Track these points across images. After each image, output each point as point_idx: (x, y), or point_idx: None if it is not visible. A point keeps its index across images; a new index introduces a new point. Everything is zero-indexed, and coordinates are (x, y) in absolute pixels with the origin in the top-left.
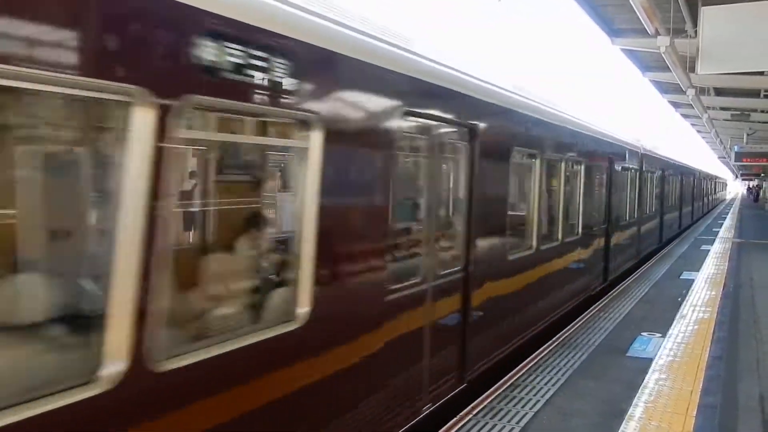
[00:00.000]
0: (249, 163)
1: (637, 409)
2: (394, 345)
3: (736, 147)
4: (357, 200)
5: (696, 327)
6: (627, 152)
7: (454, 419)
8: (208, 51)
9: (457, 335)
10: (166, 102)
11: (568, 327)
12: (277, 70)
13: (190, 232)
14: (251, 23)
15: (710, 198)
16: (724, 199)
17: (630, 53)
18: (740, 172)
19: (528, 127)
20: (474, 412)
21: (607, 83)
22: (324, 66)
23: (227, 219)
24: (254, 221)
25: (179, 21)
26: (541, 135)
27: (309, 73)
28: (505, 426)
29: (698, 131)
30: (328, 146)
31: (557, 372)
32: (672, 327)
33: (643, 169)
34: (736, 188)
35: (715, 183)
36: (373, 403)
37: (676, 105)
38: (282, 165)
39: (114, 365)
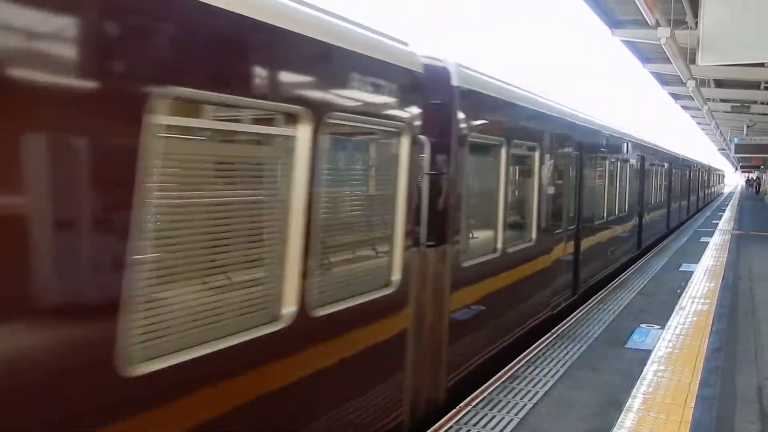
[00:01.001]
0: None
1: (636, 401)
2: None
3: (735, 139)
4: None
5: (695, 319)
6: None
7: (453, 411)
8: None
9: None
10: None
11: (567, 319)
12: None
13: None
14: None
15: (703, 193)
16: (721, 194)
17: (630, 44)
18: (740, 164)
19: None
20: (473, 404)
21: (607, 77)
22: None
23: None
24: None
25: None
26: None
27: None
28: (504, 417)
29: (698, 123)
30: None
31: (556, 364)
32: (671, 319)
33: (468, 138)
34: (735, 180)
35: (709, 174)
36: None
37: (676, 97)
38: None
39: None
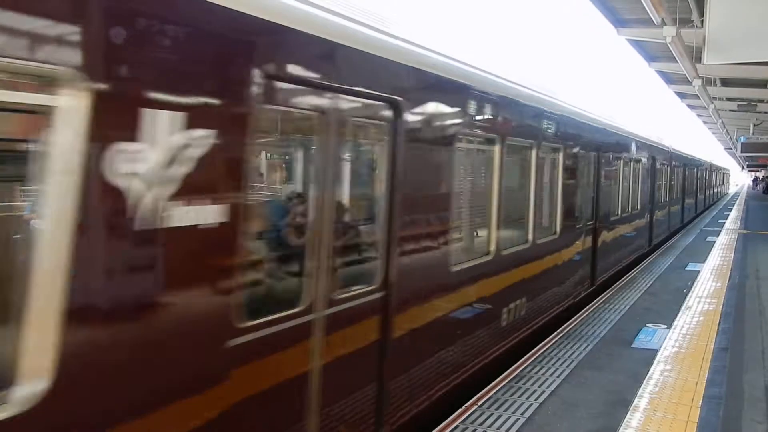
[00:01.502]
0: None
1: (642, 400)
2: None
3: (742, 138)
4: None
5: (701, 318)
6: None
7: (459, 410)
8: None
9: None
10: None
11: (573, 319)
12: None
13: None
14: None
15: (703, 195)
16: (726, 195)
17: (636, 44)
18: (746, 163)
19: None
20: (479, 404)
21: (612, 76)
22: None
23: None
24: None
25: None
26: None
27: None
28: (510, 417)
29: (704, 122)
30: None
31: (562, 363)
32: (677, 318)
33: None
34: (742, 180)
35: (711, 173)
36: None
37: (682, 95)
38: None
39: None
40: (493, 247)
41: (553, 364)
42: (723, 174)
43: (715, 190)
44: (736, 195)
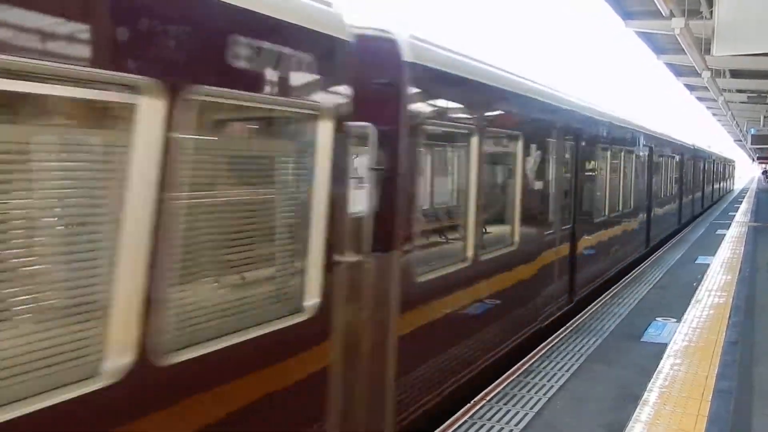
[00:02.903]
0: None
1: (652, 394)
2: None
3: (752, 130)
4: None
5: (711, 312)
6: None
7: (468, 405)
8: None
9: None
10: None
11: (582, 313)
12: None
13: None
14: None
15: (701, 194)
16: (731, 191)
17: (644, 36)
18: (757, 155)
19: None
20: (488, 398)
21: (620, 69)
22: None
23: None
24: None
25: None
26: None
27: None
28: (518, 412)
29: (714, 114)
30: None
31: (571, 358)
32: (687, 312)
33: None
34: (752, 172)
35: (705, 163)
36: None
37: (691, 88)
38: None
39: None
40: (607, 211)
41: (561, 359)
42: (728, 166)
43: (720, 185)
44: (745, 192)
